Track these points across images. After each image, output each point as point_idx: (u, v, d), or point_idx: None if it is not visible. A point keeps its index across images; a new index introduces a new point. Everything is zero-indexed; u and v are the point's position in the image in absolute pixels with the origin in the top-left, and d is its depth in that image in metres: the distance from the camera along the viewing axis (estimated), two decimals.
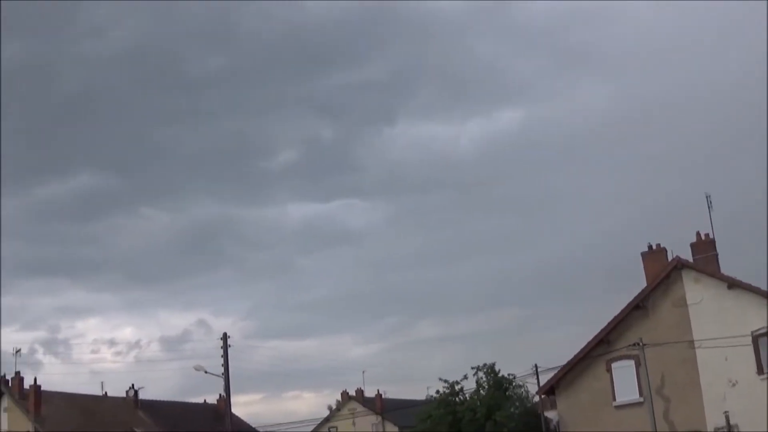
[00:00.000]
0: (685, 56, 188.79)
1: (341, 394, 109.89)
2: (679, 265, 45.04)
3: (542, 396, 56.12)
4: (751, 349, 42.47)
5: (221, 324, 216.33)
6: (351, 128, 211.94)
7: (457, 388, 54.30)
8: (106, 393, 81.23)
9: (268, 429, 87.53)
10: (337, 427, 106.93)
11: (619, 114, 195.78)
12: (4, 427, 71.00)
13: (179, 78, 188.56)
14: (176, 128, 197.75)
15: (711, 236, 46.84)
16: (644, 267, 46.61)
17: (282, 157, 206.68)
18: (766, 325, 42.43)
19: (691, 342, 43.38)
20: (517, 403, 53.85)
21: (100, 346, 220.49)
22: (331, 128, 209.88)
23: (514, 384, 55.18)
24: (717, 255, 46.08)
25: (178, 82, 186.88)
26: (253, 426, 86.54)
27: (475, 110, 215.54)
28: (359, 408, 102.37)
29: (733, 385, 42.65)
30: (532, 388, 60.05)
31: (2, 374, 73.02)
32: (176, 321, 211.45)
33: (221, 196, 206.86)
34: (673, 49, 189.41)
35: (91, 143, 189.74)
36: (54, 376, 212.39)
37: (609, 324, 45.48)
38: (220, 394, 76.68)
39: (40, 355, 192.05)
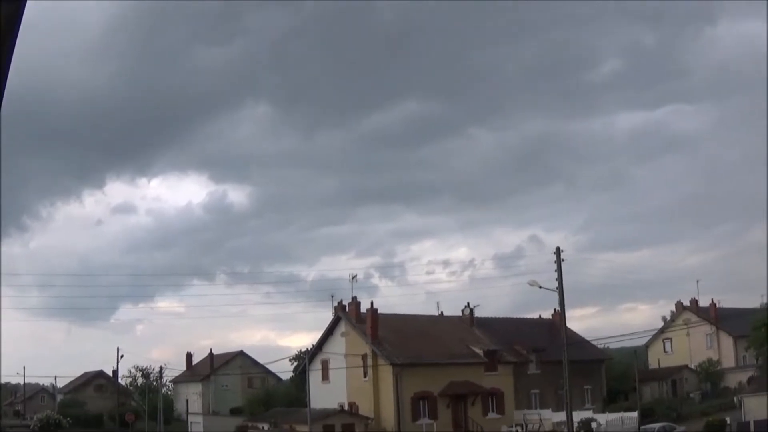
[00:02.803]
0: None
1: (675, 304, 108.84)
2: None
3: None
4: None
5: (553, 239, 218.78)
6: (672, 31, 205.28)
7: None
8: (441, 313, 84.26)
9: (602, 341, 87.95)
10: (671, 339, 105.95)
11: None
12: (343, 350, 75.03)
13: None
14: (496, 47, 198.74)
15: None
16: None
17: (606, 66, 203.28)
18: None
19: None
20: None
21: (435, 268, 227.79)
22: (651, 33, 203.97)
23: None
24: None
25: (492, 2, 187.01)
26: (588, 339, 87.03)
27: None
28: (693, 318, 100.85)
29: None
30: None
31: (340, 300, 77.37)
32: (509, 239, 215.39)
33: (547, 112, 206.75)
34: None
35: (415, 72, 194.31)
36: (390, 299, 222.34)
37: None
38: (554, 309, 78.06)
39: (375, 279, 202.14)
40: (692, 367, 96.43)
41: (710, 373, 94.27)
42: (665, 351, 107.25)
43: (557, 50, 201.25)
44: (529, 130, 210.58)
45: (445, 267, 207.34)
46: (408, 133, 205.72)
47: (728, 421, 62.93)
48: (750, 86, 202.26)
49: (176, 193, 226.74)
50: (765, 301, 58.36)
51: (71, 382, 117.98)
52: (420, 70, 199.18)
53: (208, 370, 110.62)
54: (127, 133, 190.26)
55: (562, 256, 59.09)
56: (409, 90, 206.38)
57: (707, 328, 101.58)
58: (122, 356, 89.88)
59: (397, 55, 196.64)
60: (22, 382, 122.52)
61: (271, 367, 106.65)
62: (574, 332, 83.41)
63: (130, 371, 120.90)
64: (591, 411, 74.67)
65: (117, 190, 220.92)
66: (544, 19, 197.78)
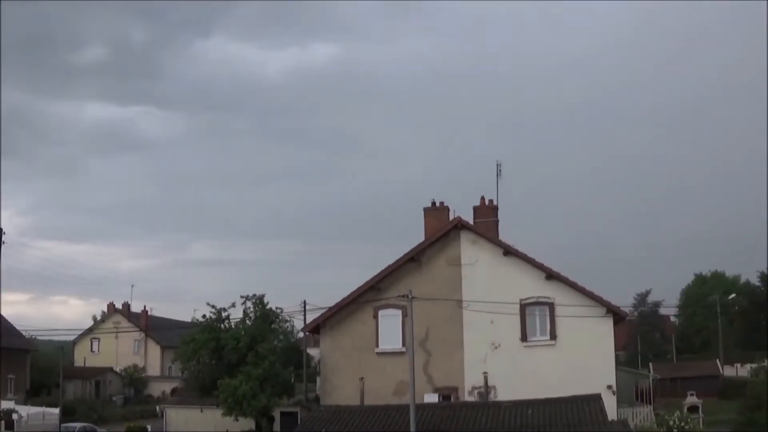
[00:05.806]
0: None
1: (107, 305, 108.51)
2: (459, 225, 46.01)
3: (307, 333, 57.32)
4: (517, 317, 44.14)
5: None
6: (164, 34, 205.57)
7: (223, 315, 54.18)
8: None
9: (31, 331, 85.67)
10: (99, 339, 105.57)
11: (438, 71, 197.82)
12: None
13: None
14: None
15: (495, 203, 48.17)
16: (425, 222, 47.60)
17: (89, 52, 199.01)
18: (534, 295, 44.27)
19: (460, 301, 44.45)
20: (282, 337, 54.20)
21: None
22: (143, 31, 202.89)
23: (280, 318, 55.58)
24: (498, 222, 47.37)
25: None
26: (17, 326, 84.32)
27: (291, 39, 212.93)
28: (124, 323, 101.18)
29: (496, 348, 44.10)
30: (299, 324, 61.24)
31: None
32: None
33: (18, 84, 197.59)
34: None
35: None
36: None
37: (382, 272, 45.95)
38: None
39: None
40: (117, 370, 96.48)
41: (135, 378, 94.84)
42: (92, 351, 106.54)
43: (40, 23, 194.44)
44: None
45: None
46: None
47: (149, 429, 63.67)
48: (225, 106, 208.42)
49: None
50: (196, 316, 59.68)
51: None
52: None
53: None
54: None
55: (4, 239, 56.77)
56: None
57: (137, 334, 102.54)
58: None
59: None
60: None
61: None
62: (4, 317, 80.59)
63: None
64: (13, 402, 72.33)
65: None
66: None
